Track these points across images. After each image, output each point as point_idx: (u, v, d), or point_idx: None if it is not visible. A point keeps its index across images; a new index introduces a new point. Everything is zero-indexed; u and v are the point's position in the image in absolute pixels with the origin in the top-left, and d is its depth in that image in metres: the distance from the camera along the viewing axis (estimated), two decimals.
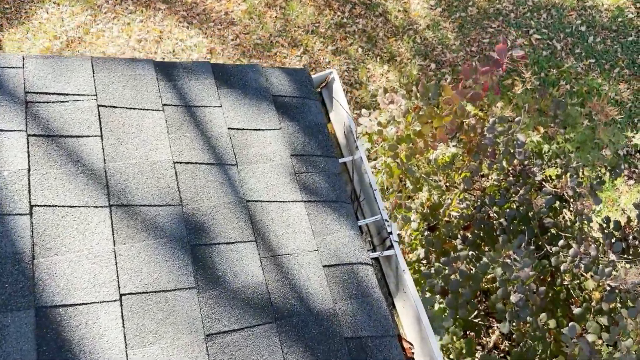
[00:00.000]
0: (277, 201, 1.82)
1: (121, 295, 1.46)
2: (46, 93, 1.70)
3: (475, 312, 3.65)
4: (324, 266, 1.75)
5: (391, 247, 1.94)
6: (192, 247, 1.61)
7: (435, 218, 4.67)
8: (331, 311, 1.66)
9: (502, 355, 4.33)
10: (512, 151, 3.92)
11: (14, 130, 1.58)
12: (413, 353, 1.81)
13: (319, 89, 2.39)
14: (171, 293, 1.51)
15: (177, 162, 1.75)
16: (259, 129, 1.96)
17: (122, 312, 1.44)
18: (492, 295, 3.33)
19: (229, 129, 1.91)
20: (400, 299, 1.91)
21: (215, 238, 1.66)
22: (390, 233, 1.93)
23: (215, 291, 1.57)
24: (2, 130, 1.57)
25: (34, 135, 1.61)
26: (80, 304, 1.41)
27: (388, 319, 1.72)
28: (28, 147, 1.58)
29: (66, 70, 1.77)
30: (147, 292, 1.49)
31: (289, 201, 1.84)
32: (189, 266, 1.57)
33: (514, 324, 3.13)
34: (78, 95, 1.74)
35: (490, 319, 4.31)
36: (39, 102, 1.67)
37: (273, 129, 1.98)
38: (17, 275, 1.38)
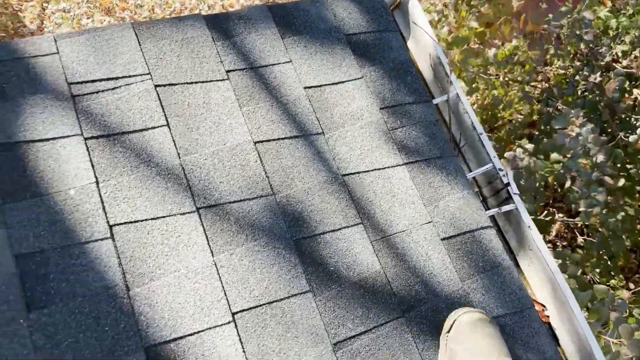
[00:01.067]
0: (375, 169, 1.56)
1: (233, 314, 1.28)
2: (92, 81, 1.41)
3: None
4: (442, 239, 1.52)
5: (509, 199, 1.69)
6: (295, 243, 1.39)
7: (495, 118, 4.34)
8: (461, 292, 1.46)
9: (566, 245, 4.22)
10: (578, 33, 3.50)
11: (68, 136, 1.33)
12: (547, 316, 1.62)
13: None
14: (286, 301, 1.33)
15: (258, 142, 1.48)
16: (339, 82, 1.65)
17: (238, 334, 1.26)
18: (565, 186, 3.12)
19: (305, 88, 1.61)
20: (526, 257, 1.69)
21: (318, 227, 1.43)
22: (508, 184, 1.66)
23: (332, 291, 1.37)
24: (54, 138, 1.32)
25: (92, 137, 1.35)
26: (191, 334, 1.23)
27: (523, 290, 1.51)
28: (89, 155, 1.33)
29: (108, 46, 1.46)
30: (260, 306, 1.30)
31: (388, 167, 1.57)
32: (298, 267, 1.36)
33: (590, 210, 2.93)
34: (129, 77, 1.45)
35: (551, 209, 4.14)
36: (87, 94, 1.40)
37: (355, 79, 1.67)
38: (116, 314, 1.20)
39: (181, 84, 1.48)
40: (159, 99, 1.44)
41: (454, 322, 1.33)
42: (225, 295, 1.28)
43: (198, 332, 1.24)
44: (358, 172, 1.54)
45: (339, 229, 1.45)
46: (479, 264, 1.51)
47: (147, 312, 1.22)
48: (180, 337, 1.22)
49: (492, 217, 1.77)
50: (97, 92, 1.41)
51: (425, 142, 1.64)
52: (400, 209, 1.52)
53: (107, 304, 1.20)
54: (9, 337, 1.11)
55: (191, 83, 1.49)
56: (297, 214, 1.43)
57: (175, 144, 1.40)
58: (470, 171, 1.79)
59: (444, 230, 1.53)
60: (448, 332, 1.33)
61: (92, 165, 1.32)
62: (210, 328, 1.25)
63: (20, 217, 1.21)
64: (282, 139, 1.51)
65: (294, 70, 1.62)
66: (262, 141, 1.49)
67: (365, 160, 1.56)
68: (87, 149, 1.33)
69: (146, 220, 1.31)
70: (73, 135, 1.33)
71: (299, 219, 1.42)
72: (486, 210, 1.65)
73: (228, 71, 1.55)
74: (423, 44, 1.91)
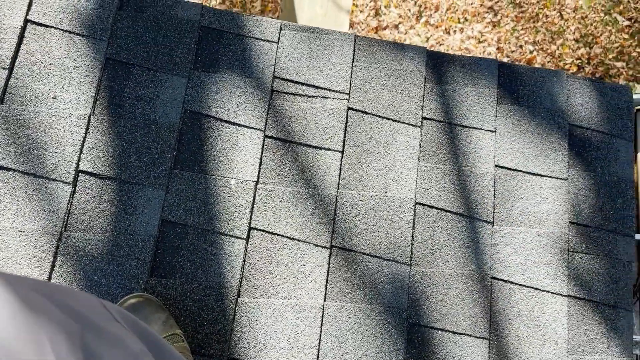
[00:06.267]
0: (532, 287, 1.37)
1: None
2: (295, 82, 1.41)
3: None
4: None
5: None
6: (409, 326, 1.30)
7: None
8: None
9: None
10: None
11: (252, 128, 1.36)
12: None
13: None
14: None
15: (420, 204, 1.38)
16: (537, 174, 1.45)
17: None
18: None
19: (496, 166, 1.44)
20: None
21: (440, 321, 1.31)
22: None
23: None
24: (240, 125, 1.36)
25: (271, 137, 1.37)
26: None
27: None
28: (262, 152, 1.35)
29: (323, 53, 1.45)
30: None
31: (548, 291, 1.37)
32: (400, 352, 1.27)
33: None
34: (329, 90, 1.42)
35: None
36: (285, 94, 1.40)
37: (557, 178, 1.45)
38: (218, 314, 1.24)
39: (373, 115, 1.42)
40: (346, 123, 1.40)
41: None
42: (319, 345, 1.25)
43: None
44: (511, 282, 1.37)
45: (461, 334, 1.31)
46: None
47: (244, 325, 1.24)
48: None
49: None
50: (294, 94, 1.41)
51: (604, 282, 1.39)
52: (538, 342, 1.33)
53: (216, 301, 1.24)
54: (127, 291, 1.21)
55: (383, 117, 1.42)
56: (424, 297, 1.32)
57: (340, 174, 1.37)
58: None
59: None
60: None
61: (260, 164, 1.34)
62: None
63: (181, 186, 1.29)
64: (446, 211, 1.39)
65: (493, 143, 1.46)
66: (424, 205, 1.38)
67: (526, 273, 1.37)
68: (263, 147, 1.35)
69: (283, 236, 1.31)
70: (256, 129, 1.36)
71: (424, 303, 1.32)
72: None
73: (424, 118, 1.44)
74: None
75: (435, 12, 3.61)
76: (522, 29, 3.56)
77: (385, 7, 3.61)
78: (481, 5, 3.61)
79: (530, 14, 3.56)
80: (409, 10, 3.61)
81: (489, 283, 1.35)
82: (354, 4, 3.61)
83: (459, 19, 3.56)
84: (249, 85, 1.38)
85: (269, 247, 1.30)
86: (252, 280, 1.27)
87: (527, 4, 3.59)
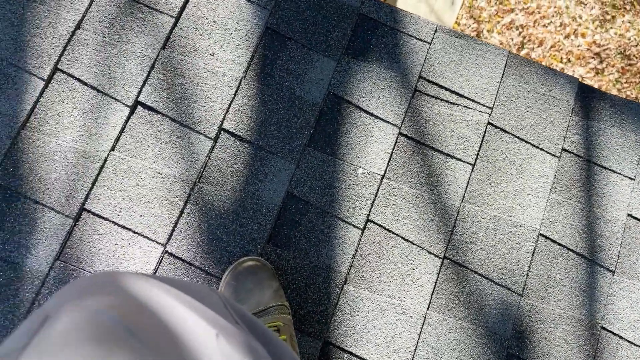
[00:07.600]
0: (638, 346, 1.30)
1: None
2: (440, 86, 1.40)
3: None
4: None
5: None
6: (507, 357, 1.26)
7: None
8: None
9: None
10: None
11: (388, 122, 1.35)
12: None
13: None
14: None
15: (543, 236, 1.33)
16: None
17: None
18: None
19: (629, 215, 1.37)
20: None
21: (539, 358, 1.27)
22: None
23: None
24: (378, 117, 1.36)
25: (406, 135, 1.36)
26: None
27: None
28: (393, 148, 1.34)
29: (474, 63, 1.42)
30: None
31: None
32: None
33: None
34: (472, 101, 1.39)
35: None
36: (427, 95, 1.39)
37: None
38: (323, 295, 1.25)
39: (512, 135, 1.38)
40: (483, 137, 1.37)
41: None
42: (415, 352, 1.24)
43: None
44: (620, 336, 1.30)
45: None
46: None
47: (346, 312, 1.25)
48: (357, 356, 1.23)
49: None
50: (436, 98, 1.39)
51: None
52: None
53: (323, 282, 1.25)
54: (244, 251, 1.24)
55: (522, 140, 1.38)
56: (530, 331, 1.28)
57: (467, 187, 1.34)
58: None
59: None
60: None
61: (390, 159, 1.34)
62: None
63: (311, 164, 1.31)
64: (569, 249, 1.33)
65: (630, 190, 1.38)
66: (547, 237, 1.33)
67: (637, 331, 1.30)
68: (395, 143, 1.35)
69: (397, 235, 1.30)
70: (393, 124, 1.35)
71: (527, 337, 1.27)
72: None
73: (564, 150, 1.39)
74: None
75: (538, 46, 3.46)
76: (625, 82, 3.36)
77: (487, 31, 3.50)
78: (588, 49, 3.42)
79: (638, 69, 3.35)
80: (512, 39, 3.48)
81: (598, 332, 1.29)
82: (456, 22, 3.53)
83: (561, 58, 3.40)
84: (393, 80, 1.38)
85: (382, 242, 1.29)
86: (360, 271, 1.27)
87: (637, 57, 3.38)
